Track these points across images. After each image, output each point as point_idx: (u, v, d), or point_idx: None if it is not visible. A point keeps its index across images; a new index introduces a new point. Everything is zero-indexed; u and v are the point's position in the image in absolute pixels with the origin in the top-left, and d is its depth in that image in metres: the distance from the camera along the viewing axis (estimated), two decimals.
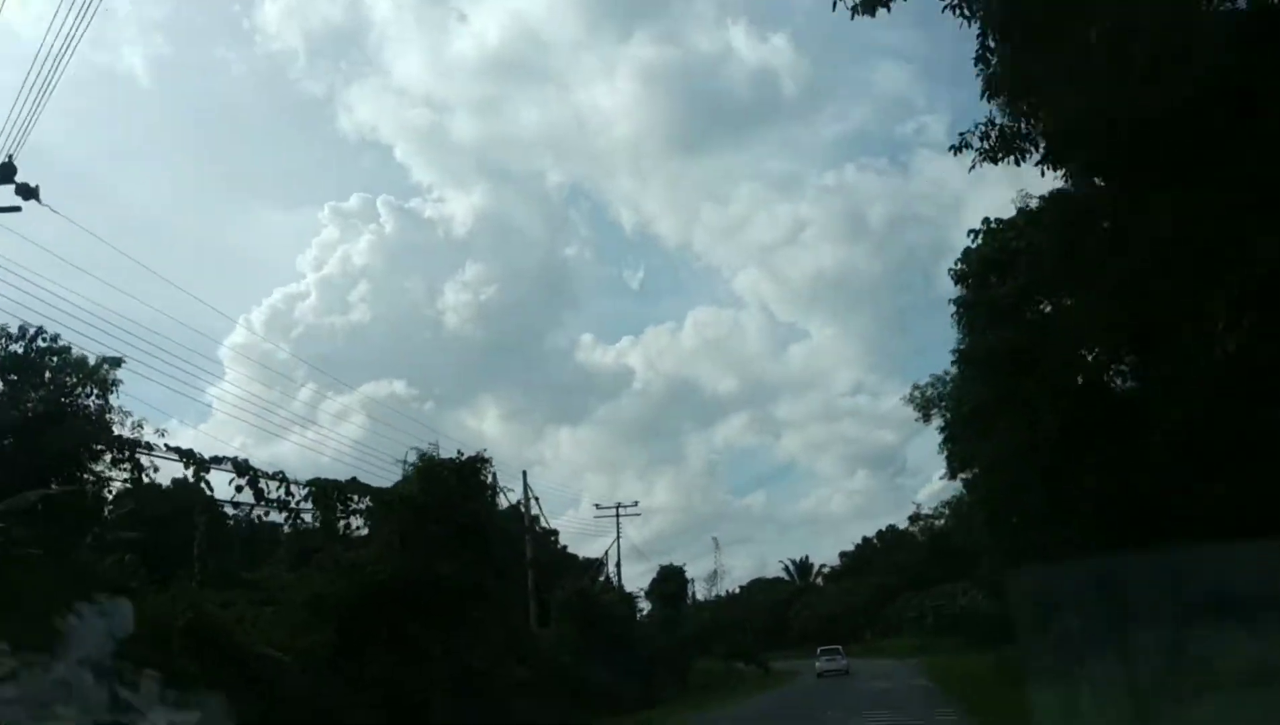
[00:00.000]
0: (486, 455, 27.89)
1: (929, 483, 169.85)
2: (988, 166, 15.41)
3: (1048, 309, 25.58)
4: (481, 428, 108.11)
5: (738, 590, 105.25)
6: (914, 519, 50.70)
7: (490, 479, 28.86)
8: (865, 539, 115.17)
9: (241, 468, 20.48)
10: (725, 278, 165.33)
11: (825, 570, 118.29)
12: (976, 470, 37.16)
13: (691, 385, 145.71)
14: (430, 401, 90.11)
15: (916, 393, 40.79)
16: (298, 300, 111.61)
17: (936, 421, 39.83)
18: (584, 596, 41.85)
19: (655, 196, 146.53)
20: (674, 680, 47.09)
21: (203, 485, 19.94)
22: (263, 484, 21.30)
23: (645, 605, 62.47)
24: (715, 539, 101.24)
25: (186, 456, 19.49)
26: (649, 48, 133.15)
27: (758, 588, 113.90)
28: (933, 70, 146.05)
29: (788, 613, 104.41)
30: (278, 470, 21.95)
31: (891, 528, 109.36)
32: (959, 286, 27.05)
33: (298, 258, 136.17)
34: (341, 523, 23.83)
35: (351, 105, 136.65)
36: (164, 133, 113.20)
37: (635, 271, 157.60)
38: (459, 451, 27.71)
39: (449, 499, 25.31)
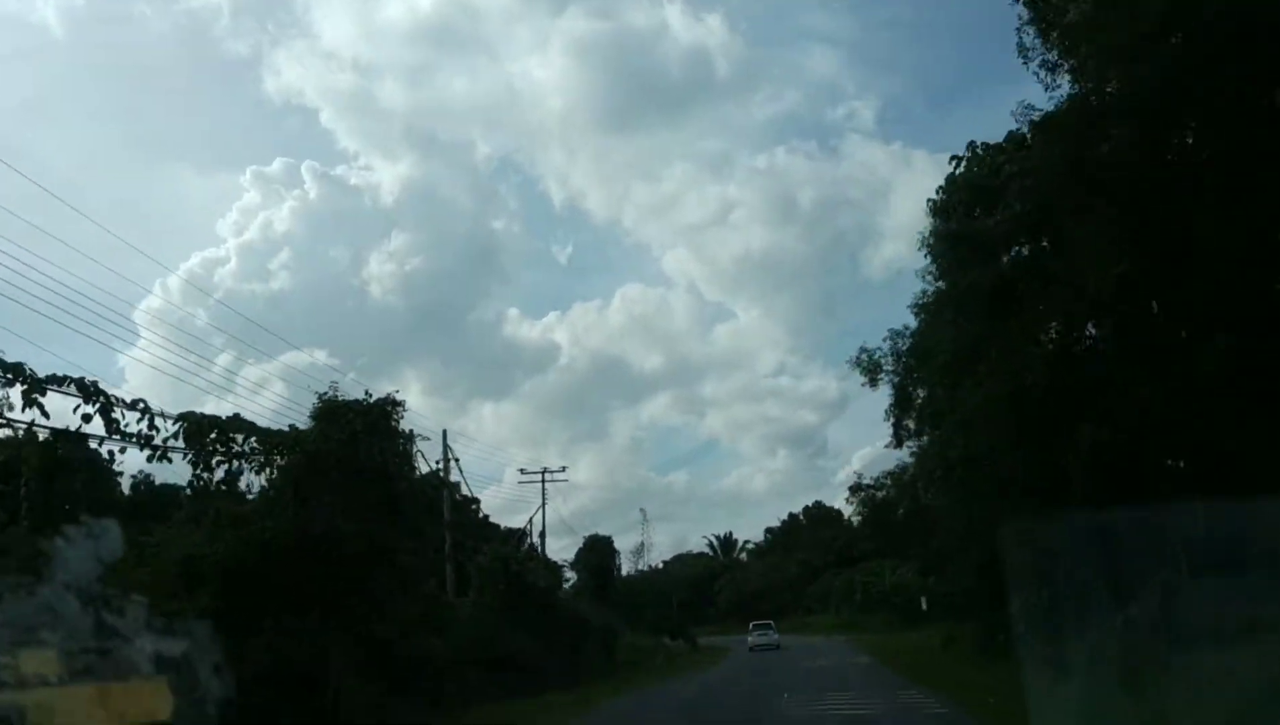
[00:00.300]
0: (399, 397, 24.30)
1: (848, 463, 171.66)
2: (914, 151, 12.81)
3: (1028, 249, 23.12)
4: (405, 400, 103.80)
5: (661, 565, 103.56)
6: (855, 490, 48.96)
7: (406, 430, 25.31)
8: (791, 515, 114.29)
9: (88, 390, 16.43)
10: (654, 256, 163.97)
11: (749, 546, 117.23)
12: (927, 435, 34.90)
13: (618, 362, 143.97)
14: (353, 372, 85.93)
15: (864, 355, 38.17)
16: (217, 265, 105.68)
17: (885, 387, 37.51)
18: (507, 563, 38.67)
19: (586, 172, 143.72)
20: (602, 655, 44.31)
21: (35, 410, 15.83)
22: (120, 414, 17.35)
23: (571, 576, 59.60)
24: (643, 510, 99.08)
25: (13, 371, 15.47)
26: (583, 21, 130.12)
27: (681, 563, 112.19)
28: (864, 56, 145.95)
29: (712, 588, 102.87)
30: (138, 398, 18.04)
31: (819, 504, 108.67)
32: (936, 220, 24.22)
33: (218, 222, 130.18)
34: (222, 466, 20.13)
35: (277, 67, 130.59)
36: (77, 87, 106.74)
37: (564, 247, 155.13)
38: (366, 392, 24.08)
39: (352, 443, 21.72)
